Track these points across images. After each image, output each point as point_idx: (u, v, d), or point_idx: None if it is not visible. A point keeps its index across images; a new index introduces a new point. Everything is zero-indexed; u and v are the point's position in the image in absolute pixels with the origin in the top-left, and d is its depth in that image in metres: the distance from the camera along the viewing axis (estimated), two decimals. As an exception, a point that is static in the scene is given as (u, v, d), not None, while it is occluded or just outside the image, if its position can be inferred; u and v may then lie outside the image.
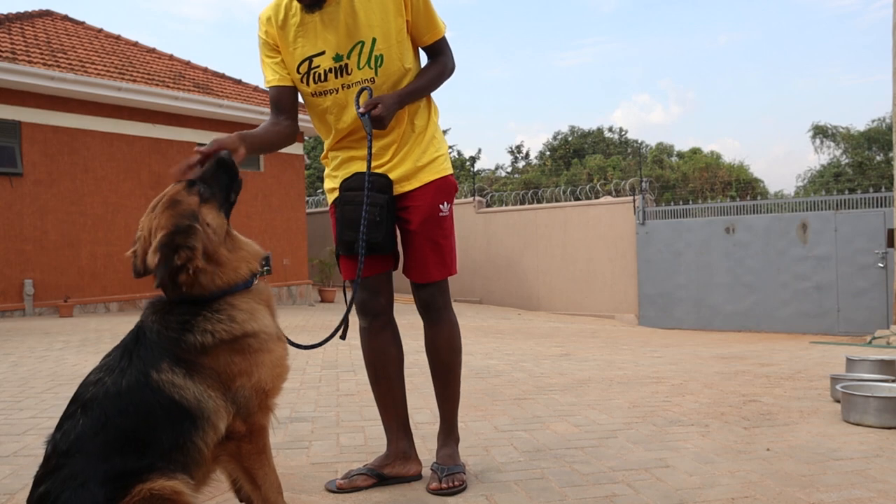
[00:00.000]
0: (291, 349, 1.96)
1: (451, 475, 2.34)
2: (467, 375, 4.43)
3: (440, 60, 2.38)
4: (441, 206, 2.38)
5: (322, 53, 2.26)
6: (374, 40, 2.23)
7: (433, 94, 2.45)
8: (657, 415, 3.49)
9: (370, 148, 2.22)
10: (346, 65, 2.26)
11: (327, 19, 2.22)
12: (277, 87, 2.33)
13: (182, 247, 1.68)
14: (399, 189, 2.34)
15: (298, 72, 2.30)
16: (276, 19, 2.28)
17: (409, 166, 2.34)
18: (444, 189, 2.39)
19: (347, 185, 2.33)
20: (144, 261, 1.72)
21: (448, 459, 2.43)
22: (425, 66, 2.38)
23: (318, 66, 2.28)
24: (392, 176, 2.33)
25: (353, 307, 2.34)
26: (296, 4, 2.24)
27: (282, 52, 2.31)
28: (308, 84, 2.31)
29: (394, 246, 2.38)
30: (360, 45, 2.24)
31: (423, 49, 2.39)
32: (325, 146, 2.47)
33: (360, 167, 2.30)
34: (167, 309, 1.74)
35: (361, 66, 2.25)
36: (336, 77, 2.28)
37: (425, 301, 2.45)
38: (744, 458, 2.71)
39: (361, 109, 2.20)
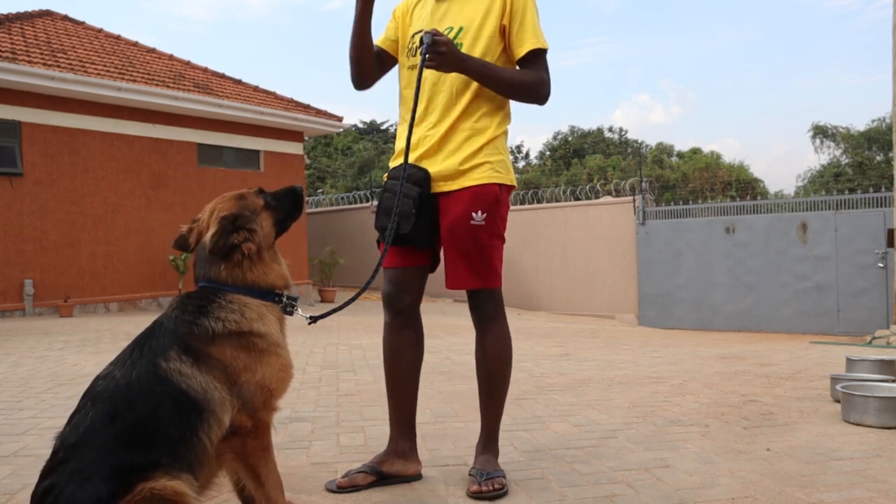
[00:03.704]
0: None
1: (490, 479, 2.28)
2: (467, 375, 4.43)
3: (530, 72, 2.33)
4: (474, 213, 2.28)
5: (421, 31, 2.33)
6: (460, 28, 2.30)
7: (512, 112, 2.45)
8: (657, 415, 3.49)
9: (419, 80, 2.21)
10: None
11: (440, 3, 2.36)
12: (378, 43, 2.50)
13: (242, 228, 1.84)
14: (436, 188, 2.33)
15: (408, 46, 2.41)
16: (410, 1, 2.46)
17: (450, 165, 2.31)
18: (482, 197, 2.30)
19: (391, 175, 2.39)
20: (198, 238, 1.88)
21: (487, 464, 2.38)
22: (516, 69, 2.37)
23: (414, 43, 2.37)
24: (432, 170, 2.32)
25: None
26: None
27: (402, 25, 2.45)
28: (407, 57, 2.41)
29: (427, 243, 2.36)
30: (448, 31, 2.31)
31: (518, 63, 2.36)
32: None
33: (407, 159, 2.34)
34: (188, 295, 1.83)
35: None
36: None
37: (475, 310, 2.45)
38: (744, 458, 2.71)
39: (430, 30, 2.18)
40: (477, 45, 2.29)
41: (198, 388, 1.66)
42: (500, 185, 2.35)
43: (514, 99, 2.38)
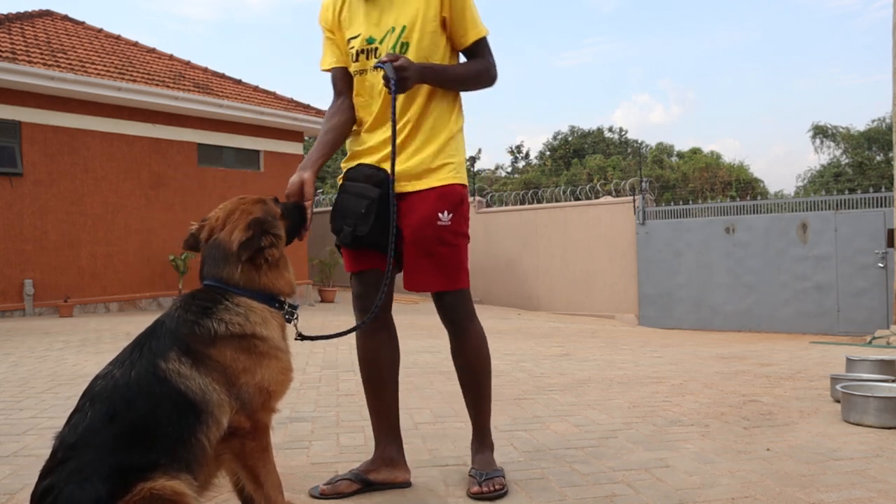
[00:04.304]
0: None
1: (490, 479, 2.28)
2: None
3: (478, 61, 2.36)
4: (440, 214, 2.27)
5: (358, 36, 2.32)
6: (403, 28, 2.26)
7: (464, 105, 2.43)
8: (657, 415, 3.49)
9: (394, 101, 2.18)
10: (377, 49, 2.29)
11: (371, 4, 2.30)
12: (333, 68, 2.44)
13: (268, 233, 1.86)
14: (399, 188, 2.28)
15: (349, 52, 2.38)
16: (335, 5, 2.39)
17: (414, 164, 2.29)
18: (447, 198, 2.29)
19: (347, 176, 2.35)
20: (209, 235, 1.88)
21: (486, 465, 2.37)
22: (463, 62, 2.38)
23: (353, 48, 2.34)
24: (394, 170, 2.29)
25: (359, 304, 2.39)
26: None
27: (336, 35, 2.40)
28: (351, 64, 2.38)
29: (385, 244, 2.31)
30: (390, 32, 2.28)
31: (463, 53, 2.38)
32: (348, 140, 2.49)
33: (366, 160, 2.33)
34: (193, 294, 1.83)
35: (388, 51, 2.28)
36: (367, 58, 2.32)
37: (446, 313, 2.40)
38: (744, 458, 2.71)
39: (384, 58, 2.16)
40: (423, 42, 2.27)
41: (196, 390, 1.66)
42: (462, 184, 2.36)
43: (468, 90, 2.41)
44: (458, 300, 2.38)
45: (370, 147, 2.33)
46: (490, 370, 2.49)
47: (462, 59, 2.41)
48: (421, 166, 2.29)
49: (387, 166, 2.27)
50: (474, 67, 2.35)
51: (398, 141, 2.27)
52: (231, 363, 1.74)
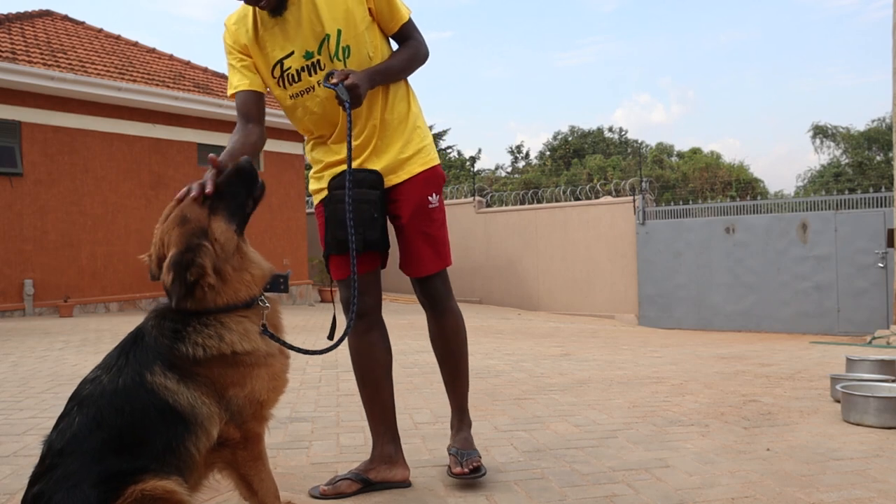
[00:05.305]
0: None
1: (469, 458, 2.36)
2: (467, 375, 4.43)
3: (410, 44, 2.36)
4: (430, 197, 2.36)
5: (291, 54, 2.24)
6: (339, 32, 2.21)
7: (411, 83, 2.42)
8: (657, 415, 3.49)
9: (350, 121, 2.14)
10: (318, 61, 2.23)
11: (292, 20, 2.21)
12: (246, 91, 2.27)
13: (192, 264, 1.67)
14: (388, 182, 2.31)
15: (273, 76, 2.29)
16: (246, 25, 2.28)
17: (392, 157, 2.30)
18: (432, 180, 2.37)
19: (336, 185, 2.29)
20: (160, 267, 1.71)
21: (466, 444, 2.46)
22: (396, 50, 2.37)
23: (289, 68, 2.26)
24: (378, 168, 2.29)
25: (340, 306, 2.40)
26: (261, 11, 2.23)
27: (255, 58, 2.29)
28: (285, 87, 2.29)
29: (387, 243, 2.34)
30: (326, 39, 2.21)
31: (392, 37, 2.37)
32: (307, 148, 2.46)
33: (345, 167, 2.27)
34: (164, 314, 1.74)
35: (332, 59, 2.23)
36: (309, 75, 2.25)
37: (430, 295, 2.45)
38: (744, 458, 2.71)
39: (334, 80, 2.09)
40: (362, 40, 2.24)
41: (184, 404, 1.63)
42: (439, 164, 2.42)
43: (410, 75, 2.41)
44: (443, 279, 2.45)
45: (345, 156, 2.27)
46: (467, 348, 2.56)
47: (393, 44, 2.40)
48: (401, 155, 2.32)
49: (369, 165, 2.28)
50: (410, 53, 2.35)
51: (371, 145, 2.29)
52: (219, 378, 1.69)
